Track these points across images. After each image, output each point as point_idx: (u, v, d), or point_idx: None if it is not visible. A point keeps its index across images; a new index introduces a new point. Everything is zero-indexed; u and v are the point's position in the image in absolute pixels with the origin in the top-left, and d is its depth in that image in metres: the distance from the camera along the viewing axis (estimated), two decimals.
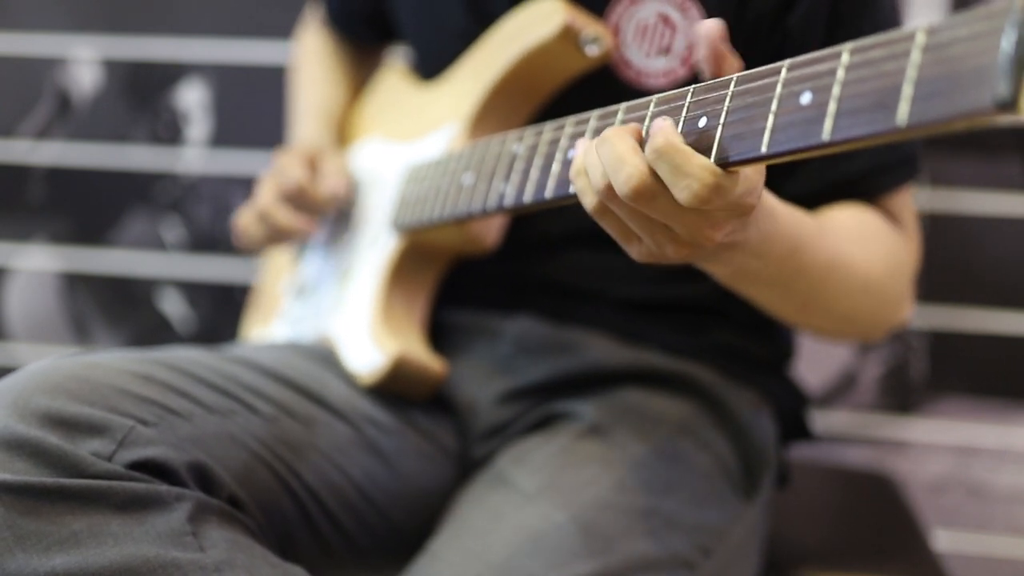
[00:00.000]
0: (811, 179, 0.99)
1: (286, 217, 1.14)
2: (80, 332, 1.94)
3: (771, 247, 0.80)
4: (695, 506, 0.97)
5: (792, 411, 1.15)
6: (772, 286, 0.90)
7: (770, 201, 0.78)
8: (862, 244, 0.94)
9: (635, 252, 0.76)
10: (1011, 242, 1.59)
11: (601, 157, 0.69)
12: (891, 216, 1.01)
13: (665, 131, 0.66)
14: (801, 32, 0.95)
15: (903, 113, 0.53)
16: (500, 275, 1.10)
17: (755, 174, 0.68)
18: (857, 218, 0.97)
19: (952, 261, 1.60)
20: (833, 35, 0.93)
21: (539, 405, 1.04)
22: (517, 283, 1.10)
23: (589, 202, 0.73)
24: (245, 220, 1.21)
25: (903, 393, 1.67)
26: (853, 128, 0.56)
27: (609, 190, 0.70)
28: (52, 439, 0.76)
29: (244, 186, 1.82)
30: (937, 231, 1.59)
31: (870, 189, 0.99)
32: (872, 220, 0.99)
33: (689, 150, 0.66)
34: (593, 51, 0.96)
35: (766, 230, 0.78)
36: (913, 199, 1.04)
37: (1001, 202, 1.59)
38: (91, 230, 1.92)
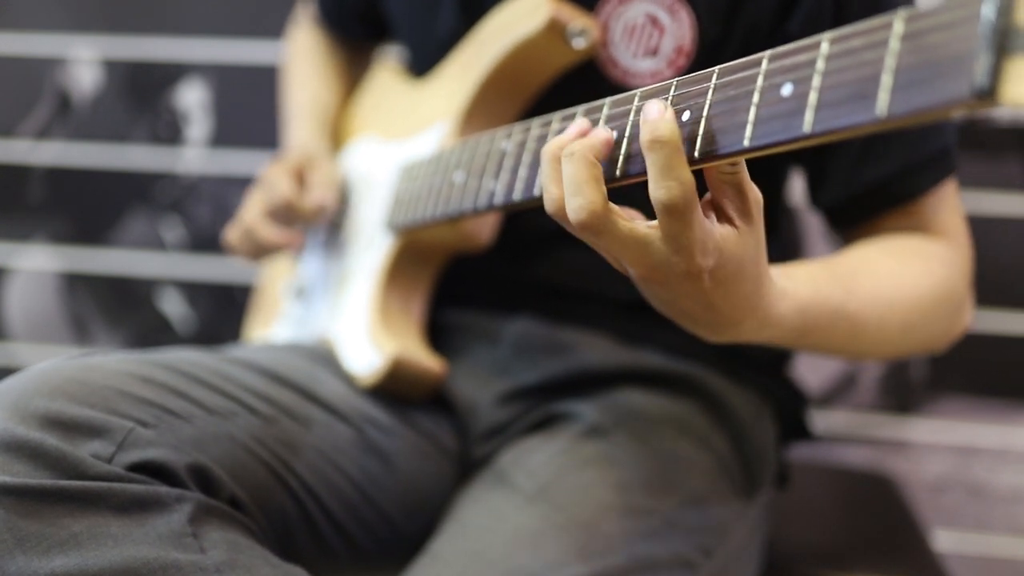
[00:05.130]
0: (841, 186, 0.97)
1: (270, 233, 1.15)
2: (80, 332, 1.94)
3: (806, 320, 0.79)
4: (695, 507, 0.97)
5: (792, 411, 1.14)
6: (827, 348, 0.89)
7: (778, 286, 0.76)
8: (899, 277, 0.91)
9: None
10: (1011, 242, 1.58)
11: (564, 173, 0.68)
12: (928, 224, 0.97)
13: (669, 122, 0.64)
14: (804, 35, 0.94)
15: (883, 103, 0.53)
16: (499, 276, 1.10)
17: (713, 246, 0.67)
18: (887, 250, 0.94)
19: None
20: None
21: (539, 406, 1.04)
22: (516, 284, 1.10)
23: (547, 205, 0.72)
24: (233, 236, 1.21)
25: (903, 393, 1.67)
26: (834, 119, 0.56)
27: (561, 208, 0.69)
28: (52, 441, 0.76)
29: (244, 186, 1.80)
30: None
31: (905, 192, 0.96)
32: (904, 245, 0.95)
33: (686, 157, 0.65)
34: (580, 44, 0.96)
35: (784, 310, 0.76)
36: (955, 198, 0.99)
37: (1001, 202, 1.59)
38: (91, 230, 1.92)
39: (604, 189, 0.67)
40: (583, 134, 0.71)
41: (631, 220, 0.68)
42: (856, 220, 0.99)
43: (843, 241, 1.02)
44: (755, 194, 0.69)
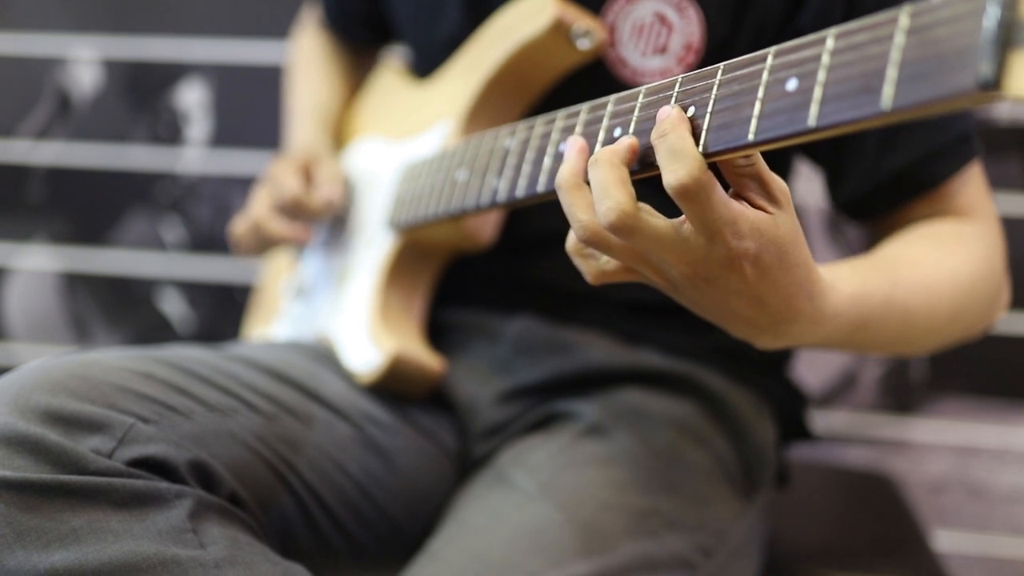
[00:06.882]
0: (863, 177, 0.96)
1: (280, 228, 1.16)
2: (80, 332, 1.94)
3: (860, 311, 0.78)
4: (695, 506, 0.97)
5: (792, 411, 1.14)
6: (881, 342, 0.89)
7: (826, 279, 0.75)
8: (941, 261, 0.90)
9: (650, 281, 0.75)
10: (1011, 242, 1.58)
11: (592, 181, 0.69)
12: (956, 208, 0.95)
13: (674, 118, 0.66)
14: (815, 30, 0.93)
15: (887, 97, 0.53)
16: (500, 275, 1.10)
17: (748, 228, 0.67)
18: (924, 237, 0.93)
19: None
20: None
21: (539, 405, 1.04)
22: (517, 283, 1.10)
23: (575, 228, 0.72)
24: (240, 230, 1.22)
25: (903, 393, 1.67)
26: (839, 113, 0.56)
27: (595, 233, 0.69)
28: (52, 436, 0.76)
29: (244, 186, 1.83)
30: None
31: (927, 179, 0.94)
32: (939, 230, 0.94)
33: (692, 140, 0.65)
34: (584, 45, 0.96)
35: (837, 302, 0.76)
36: (981, 180, 0.97)
37: (1001, 202, 1.59)
38: (91, 230, 1.92)
39: (632, 191, 0.67)
40: (582, 150, 0.72)
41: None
42: (881, 211, 0.98)
43: (870, 235, 1.01)
44: (779, 182, 0.68)
